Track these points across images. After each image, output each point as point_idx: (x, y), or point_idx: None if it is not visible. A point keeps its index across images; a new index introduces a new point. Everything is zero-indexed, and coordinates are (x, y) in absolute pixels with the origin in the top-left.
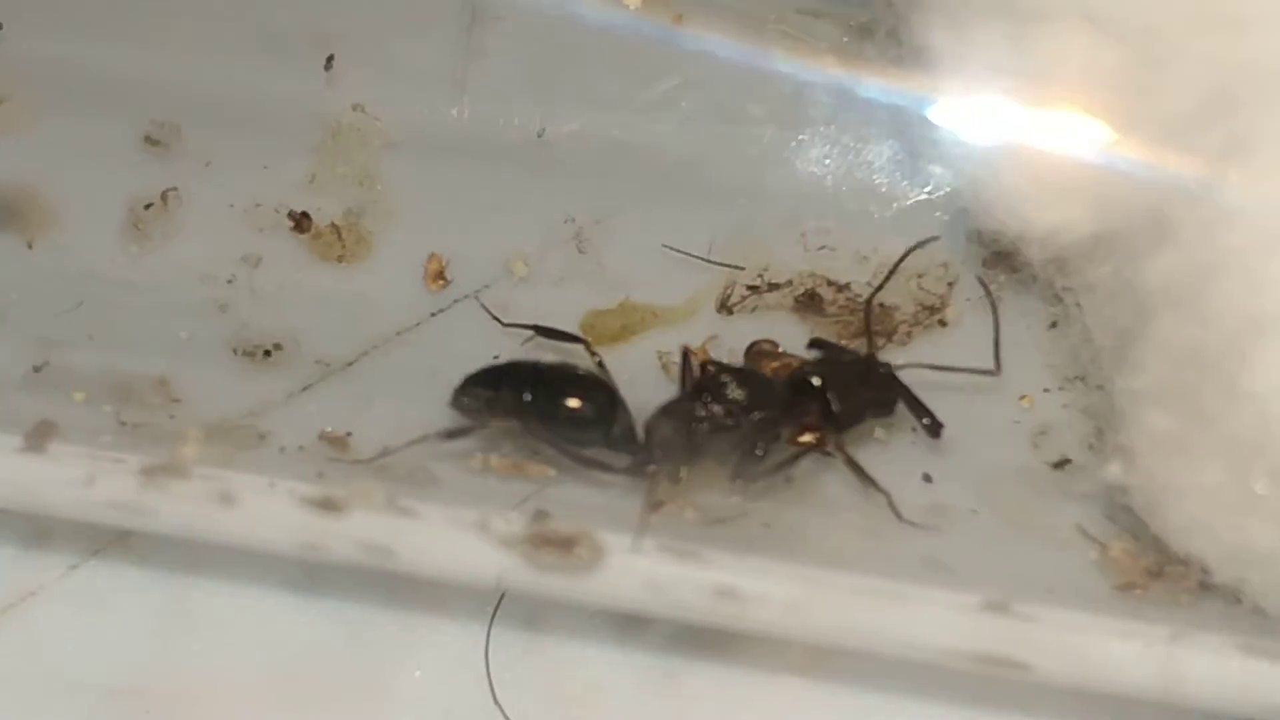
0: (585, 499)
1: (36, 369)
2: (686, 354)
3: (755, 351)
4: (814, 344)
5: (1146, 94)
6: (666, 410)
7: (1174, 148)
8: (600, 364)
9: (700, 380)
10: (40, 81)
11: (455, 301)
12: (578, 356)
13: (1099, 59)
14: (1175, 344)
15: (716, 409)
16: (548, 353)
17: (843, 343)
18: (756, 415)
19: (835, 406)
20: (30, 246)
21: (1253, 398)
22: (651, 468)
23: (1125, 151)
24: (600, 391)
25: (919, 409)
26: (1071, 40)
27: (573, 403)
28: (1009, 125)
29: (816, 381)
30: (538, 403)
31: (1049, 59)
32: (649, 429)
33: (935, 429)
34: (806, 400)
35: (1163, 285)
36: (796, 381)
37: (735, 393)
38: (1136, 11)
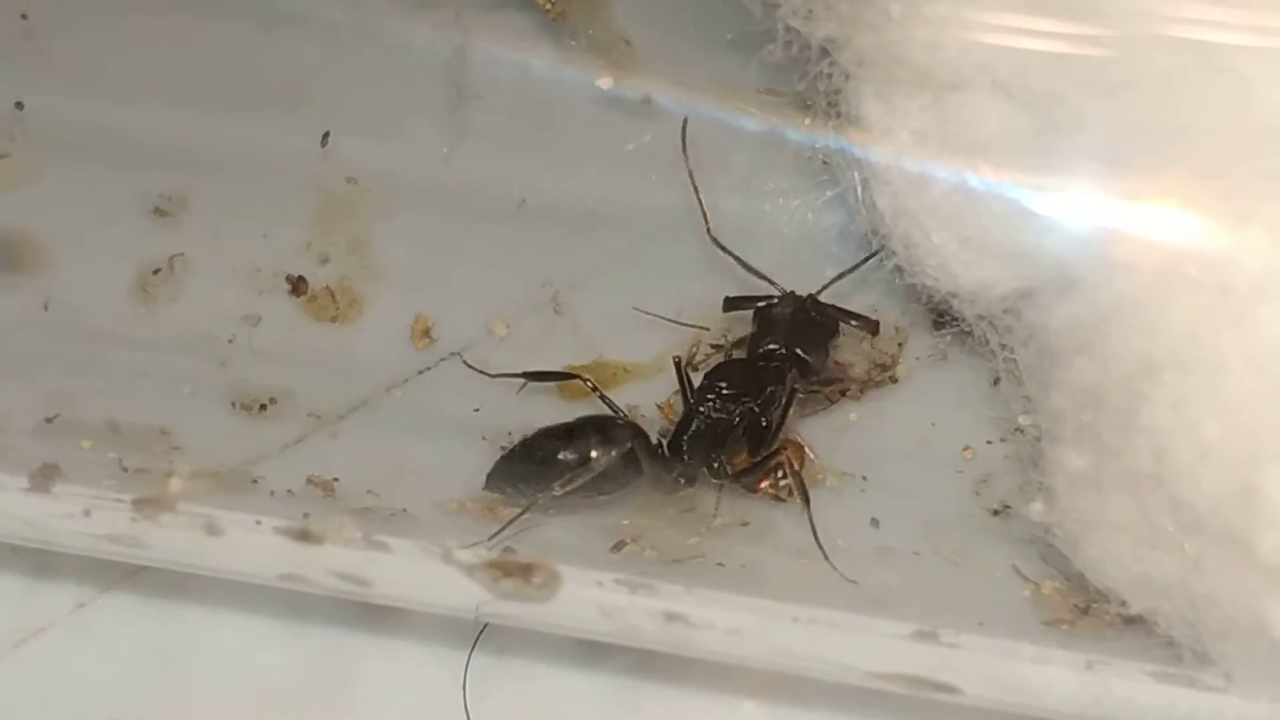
0: (552, 538)
1: (48, 420)
2: (679, 364)
3: None
4: (728, 304)
5: (1052, 155)
6: (686, 421)
7: (1077, 204)
8: (600, 395)
9: (702, 385)
10: (56, 150)
11: (440, 360)
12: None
13: (1010, 124)
14: (1081, 386)
15: (727, 403)
16: (534, 406)
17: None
18: (754, 397)
19: (807, 355)
20: (46, 308)
21: (1149, 433)
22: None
23: (1037, 209)
24: (621, 430)
25: (855, 317)
26: (984, 107)
27: (599, 453)
28: (935, 188)
29: (777, 344)
30: (571, 469)
31: (966, 125)
32: (677, 444)
33: (874, 326)
34: (781, 363)
35: (1068, 330)
36: (763, 353)
37: (734, 383)
38: (1039, 79)
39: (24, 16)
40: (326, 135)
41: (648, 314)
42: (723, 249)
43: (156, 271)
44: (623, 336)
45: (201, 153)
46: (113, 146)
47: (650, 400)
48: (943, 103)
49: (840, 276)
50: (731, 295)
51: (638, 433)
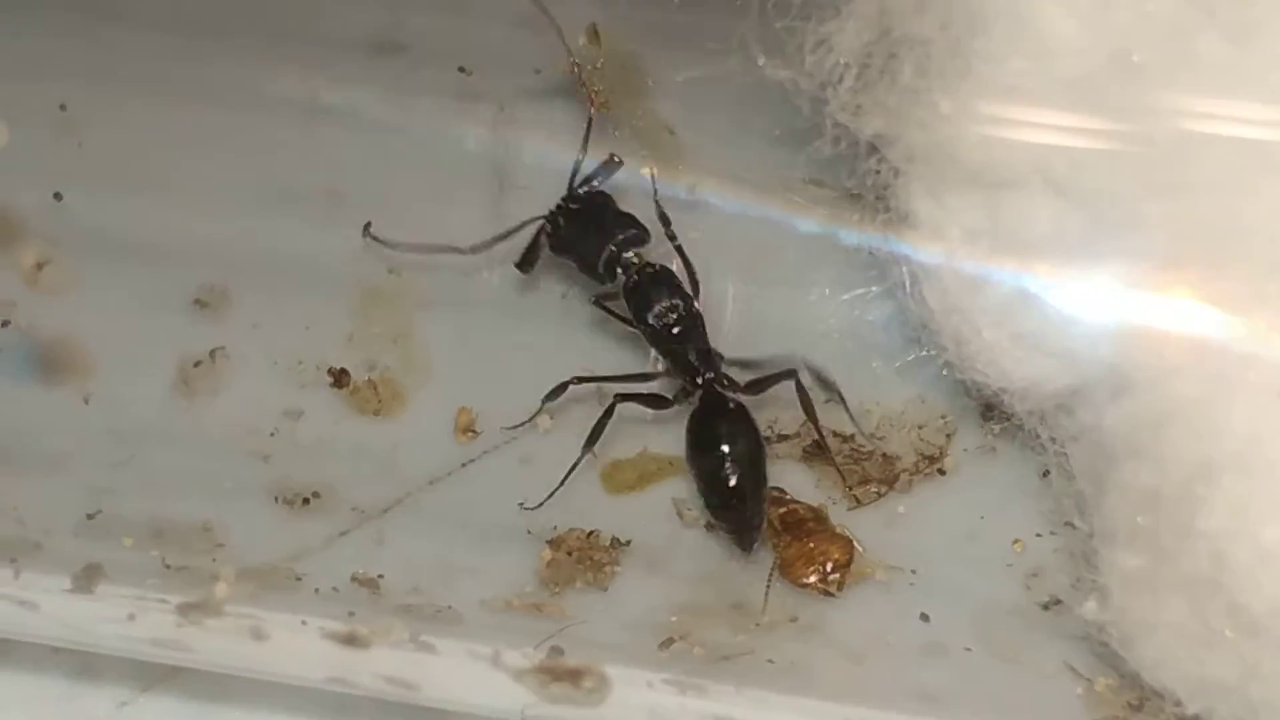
0: (600, 636)
1: (89, 516)
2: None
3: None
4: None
5: (1107, 255)
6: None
7: (1131, 304)
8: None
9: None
10: (96, 246)
11: (484, 453)
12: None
13: (1063, 223)
14: (1137, 488)
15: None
16: (578, 499)
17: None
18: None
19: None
20: (86, 402)
21: (1207, 538)
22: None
23: (1090, 308)
24: None
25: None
26: (1037, 205)
27: None
28: (986, 283)
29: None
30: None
31: (1018, 223)
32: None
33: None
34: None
35: (1123, 433)
36: (608, 259)
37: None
38: (1092, 178)
39: (63, 107)
40: (368, 226)
41: None
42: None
43: (197, 364)
44: (667, 430)
45: (242, 244)
46: (153, 238)
47: (696, 494)
48: (995, 200)
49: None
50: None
51: None
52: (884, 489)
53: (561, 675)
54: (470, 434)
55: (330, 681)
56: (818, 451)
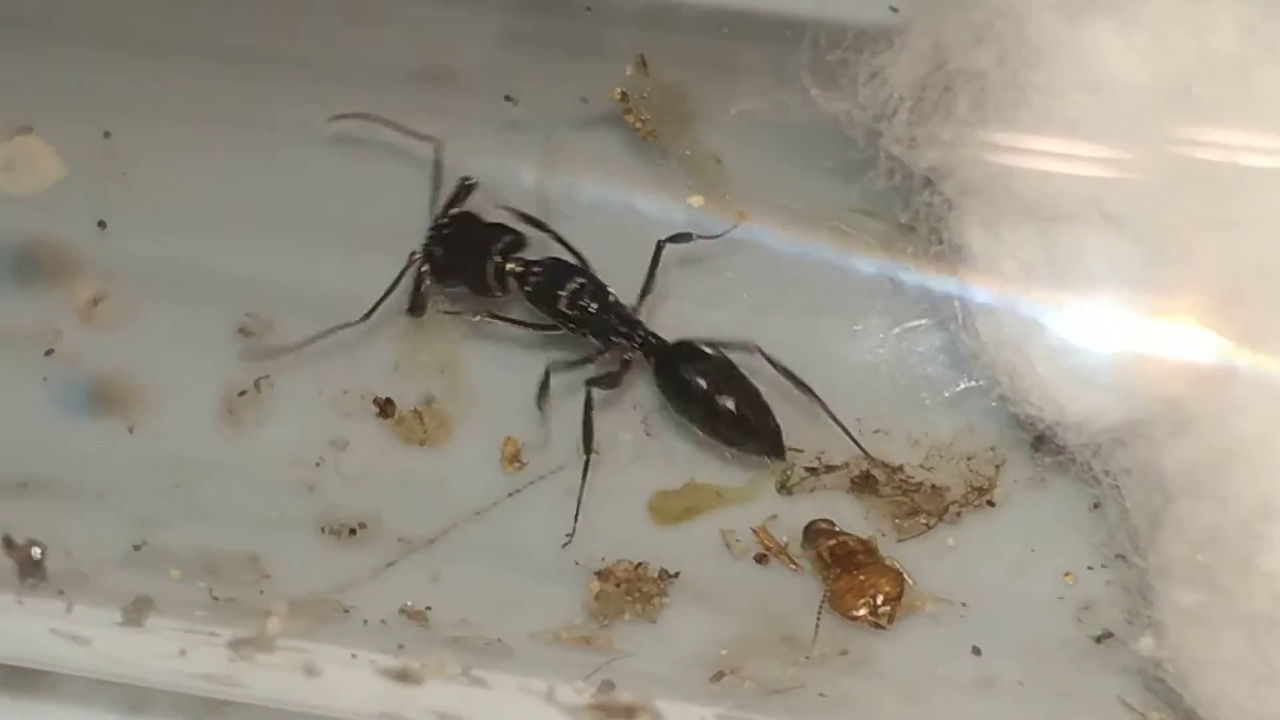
0: (650, 668)
1: (136, 547)
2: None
3: (813, 530)
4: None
5: (1163, 289)
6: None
7: (1190, 340)
8: None
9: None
10: (141, 276)
11: (530, 483)
12: None
13: (1119, 256)
14: (1196, 526)
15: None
16: (625, 529)
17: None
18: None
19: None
20: (131, 431)
21: (1268, 576)
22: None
23: (1147, 343)
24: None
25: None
26: (1093, 239)
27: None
28: (1040, 317)
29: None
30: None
31: (1073, 256)
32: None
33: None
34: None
35: (1183, 471)
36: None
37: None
38: (1150, 213)
39: (107, 134)
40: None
41: None
42: None
43: (242, 394)
44: (715, 459)
45: (286, 273)
46: (196, 268)
47: (744, 524)
48: (1050, 234)
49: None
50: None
51: None
52: (933, 520)
53: (616, 712)
54: (516, 464)
55: (382, 717)
56: (865, 483)
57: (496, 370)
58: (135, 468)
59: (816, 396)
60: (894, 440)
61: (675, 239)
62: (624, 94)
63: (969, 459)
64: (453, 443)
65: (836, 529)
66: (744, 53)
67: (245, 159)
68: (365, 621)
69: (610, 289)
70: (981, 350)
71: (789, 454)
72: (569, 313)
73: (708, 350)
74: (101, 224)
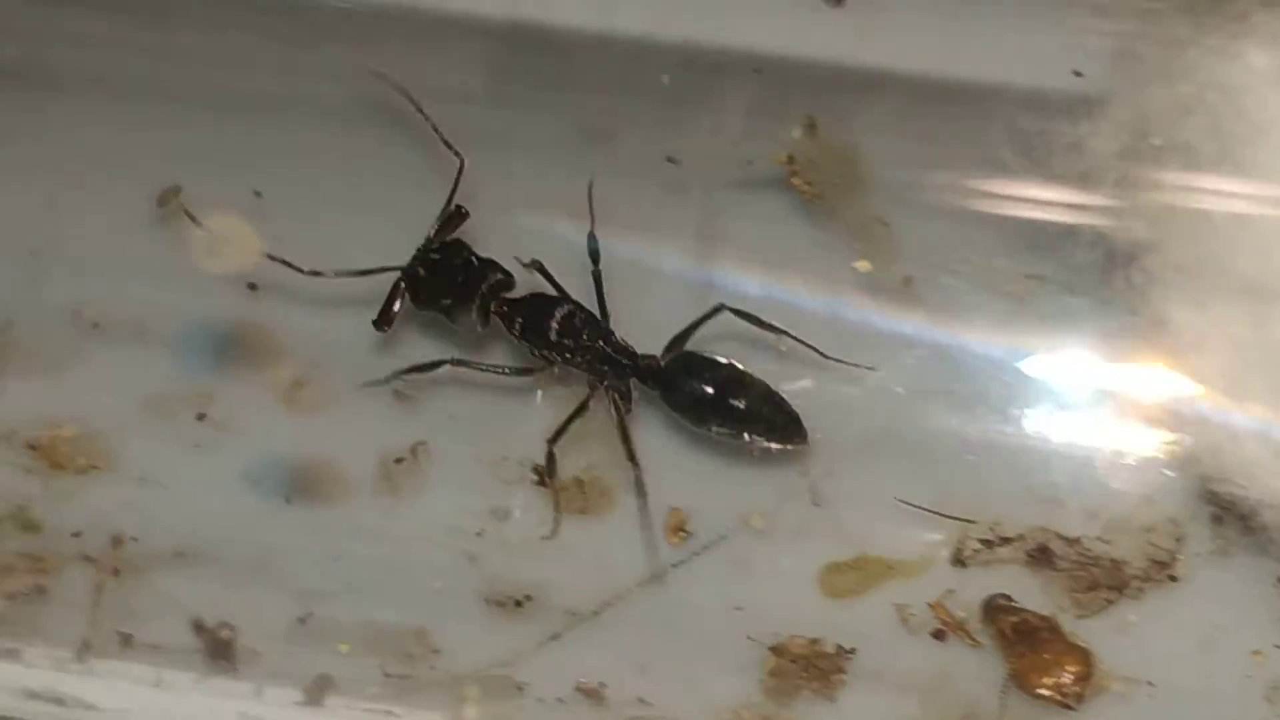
0: None
1: (301, 620)
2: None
3: (993, 606)
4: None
5: None
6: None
7: None
8: None
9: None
10: (310, 349)
11: (694, 554)
12: None
13: None
14: None
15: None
16: (796, 601)
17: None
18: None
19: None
20: (288, 500)
21: None
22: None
23: None
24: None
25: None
26: None
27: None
28: (1250, 396)
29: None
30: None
31: None
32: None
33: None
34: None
35: None
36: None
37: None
38: None
39: (257, 194)
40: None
41: (911, 505)
42: None
43: (399, 461)
44: (885, 530)
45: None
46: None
47: (919, 599)
48: (1266, 312)
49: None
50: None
51: None
52: (1114, 596)
53: None
54: (681, 534)
55: None
56: (1041, 556)
57: (659, 440)
58: (294, 538)
59: (789, 334)
60: (1069, 511)
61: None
62: (790, 157)
63: (1148, 531)
64: (615, 513)
65: (1015, 605)
66: (920, 117)
67: (394, 215)
68: (540, 699)
69: (593, 314)
70: (1178, 426)
71: (962, 525)
72: (563, 341)
73: (705, 357)
74: (252, 286)
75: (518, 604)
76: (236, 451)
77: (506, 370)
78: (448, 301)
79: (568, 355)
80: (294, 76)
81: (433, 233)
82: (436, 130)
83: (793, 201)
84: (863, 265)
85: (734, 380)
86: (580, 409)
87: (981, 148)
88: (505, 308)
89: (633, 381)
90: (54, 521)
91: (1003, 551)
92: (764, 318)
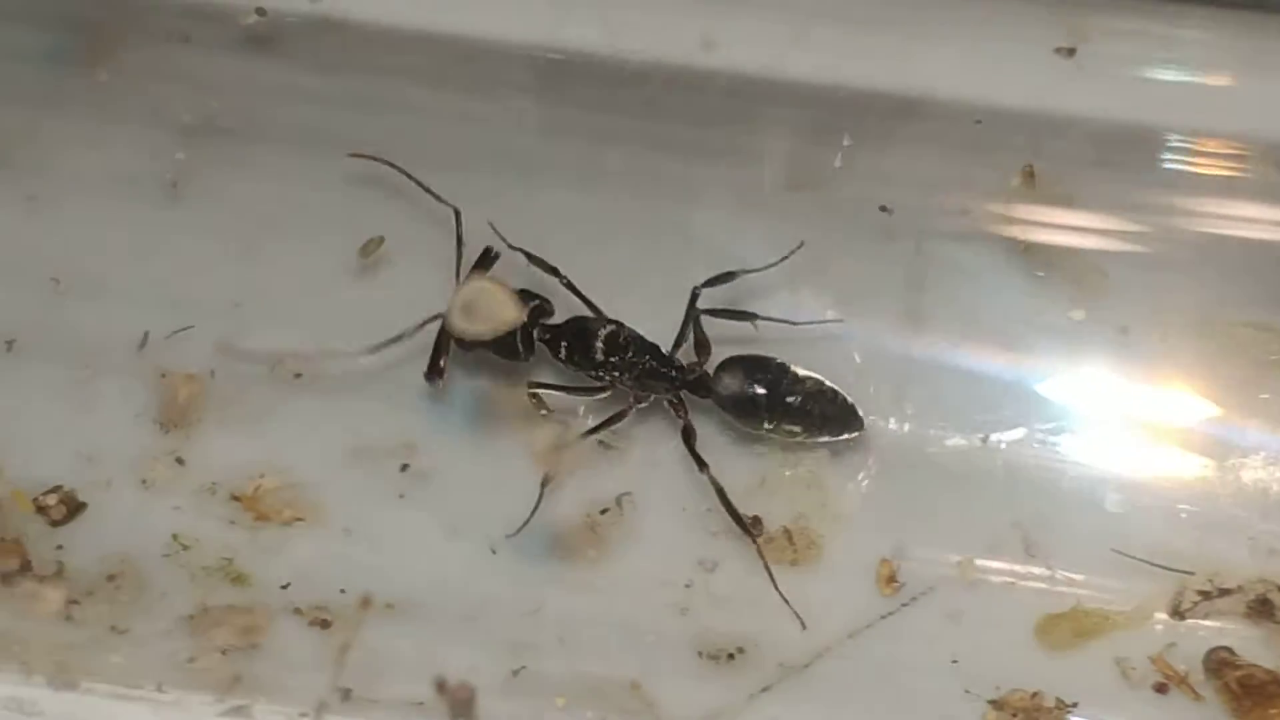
0: None
1: (514, 673)
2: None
3: (1217, 659)
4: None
5: None
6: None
7: None
8: None
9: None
10: None
11: (903, 605)
12: None
13: None
14: None
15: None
16: (1016, 654)
17: None
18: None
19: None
20: (494, 552)
21: None
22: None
23: None
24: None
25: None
26: None
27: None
28: None
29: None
30: None
31: None
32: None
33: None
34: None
35: None
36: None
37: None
38: None
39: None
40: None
41: (1127, 555)
42: None
43: (605, 511)
44: (1100, 580)
45: None
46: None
47: (1138, 651)
48: None
49: None
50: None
51: None
52: None
53: None
54: (894, 585)
55: None
56: (1262, 608)
57: (867, 488)
58: (499, 589)
59: (759, 316)
60: None
61: (711, 283)
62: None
63: None
64: (823, 563)
65: (1239, 659)
66: (1140, 166)
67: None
68: None
69: (632, 330)
70: None
71: (1180, 576)
72: (610, 360)
73: (752, 357)
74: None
75: (730, 656)
76: (441, 502)
77: (578, 390)
78: (495, 339)
79: (616, 374)
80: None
81: (462, 277)
82: (424, 187)
83: (1007, 249)
84: (1078, 315)
85: (784, 377)
86: (618, 416)
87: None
88: (548, 334)
89: (684, 393)
90: (262, 574)
91: (1222, 603)
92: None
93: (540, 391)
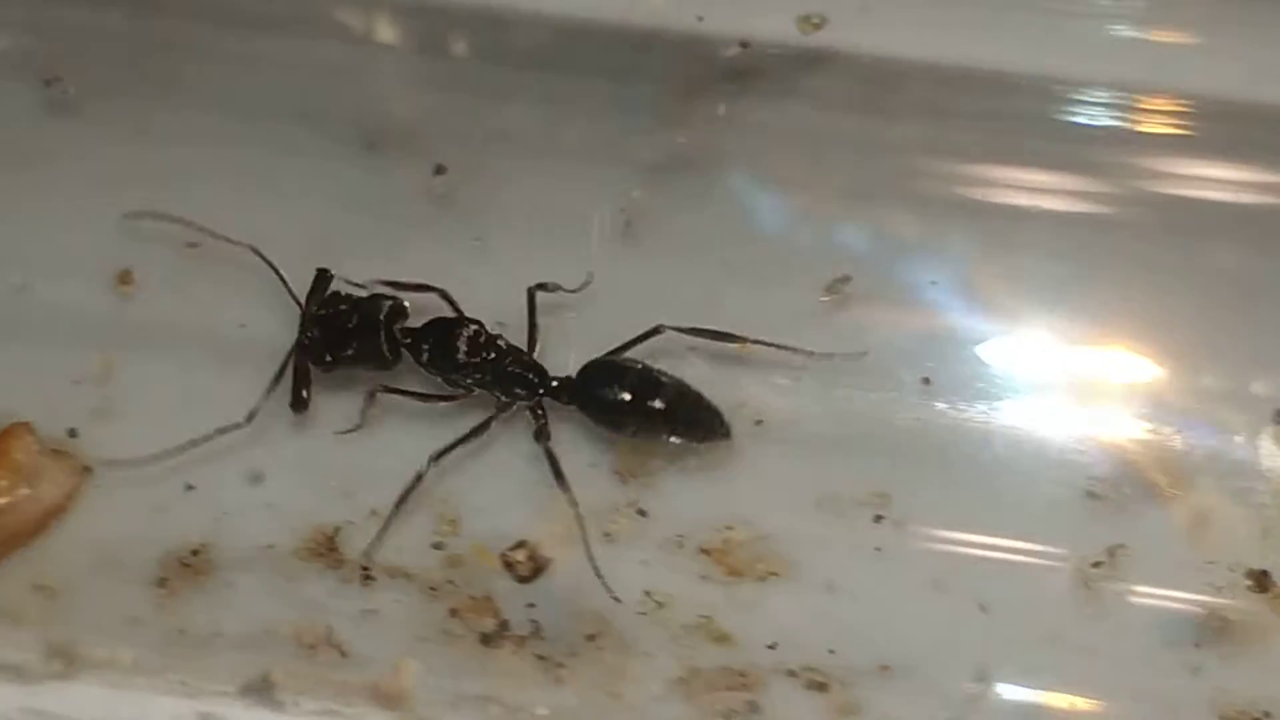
0: None
1: None
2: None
3: None
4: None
5: None
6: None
7: None
8: None
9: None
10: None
11: None
12: None
13: None
14: None
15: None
16: None
17: None
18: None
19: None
20: (983, 610)
21: None
22: None
23: None
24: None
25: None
26: None
27: None
28: None
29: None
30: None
31: None
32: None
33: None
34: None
35: None
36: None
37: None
38: None
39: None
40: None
41: None
42: None
43: (1097, 565)
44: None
45: None
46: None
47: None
48: None
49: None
50: None
51: None
52: None
53: None
54: None
55: None
56: None
57: None
58: (991, 647)
59: (739, 338)
60: None
61: (543, 287)
62: None
63: None
64: None
65: None
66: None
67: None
68: None
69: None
70: None
71: None
72: (472, 361)
73: (616, 362)
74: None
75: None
76: (921, 554)
77: (431, 396)
78: (353, 348)
79: (479, 375)
80: None
81: (306, 302)
82: (217, 235)
83: None
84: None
85: (649, 382)
86: (480, 428)
87: None
88: (410, 337)
89: (547, 401)
90: (742, 633)
91: None
92: None
93: (382, 395)
